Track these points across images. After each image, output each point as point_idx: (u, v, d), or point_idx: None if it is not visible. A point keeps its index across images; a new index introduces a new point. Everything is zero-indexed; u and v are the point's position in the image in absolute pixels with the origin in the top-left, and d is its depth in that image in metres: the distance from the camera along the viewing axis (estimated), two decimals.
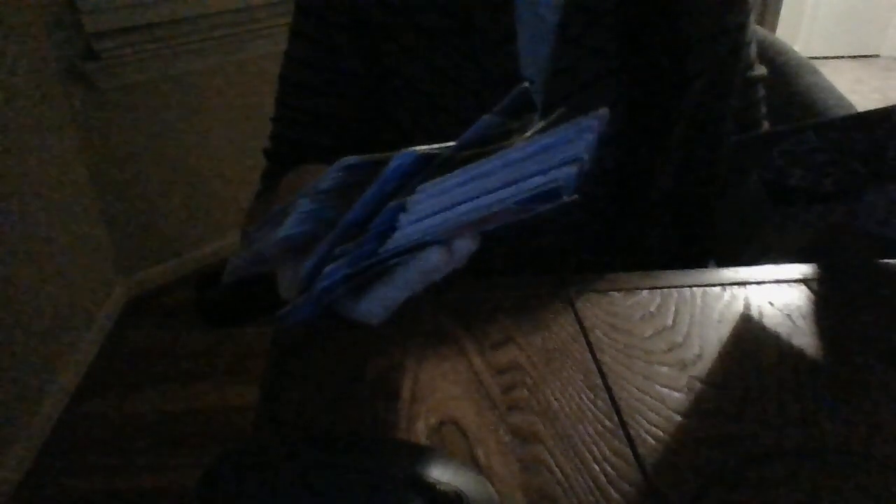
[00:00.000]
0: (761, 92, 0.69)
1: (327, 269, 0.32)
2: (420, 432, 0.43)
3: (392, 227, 0.31)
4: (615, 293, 0.56)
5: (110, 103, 1.84)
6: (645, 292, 0.56)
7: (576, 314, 0.54)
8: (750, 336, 0.51)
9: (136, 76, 1.85)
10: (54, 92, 1.72)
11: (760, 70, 0.68)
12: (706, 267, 0.75)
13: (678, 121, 0.62)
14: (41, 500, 1.42)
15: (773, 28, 2.74)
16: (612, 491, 0.39)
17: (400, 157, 0.31)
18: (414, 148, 0.31)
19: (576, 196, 0.32)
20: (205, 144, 2.06)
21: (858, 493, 0.38)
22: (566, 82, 0.61)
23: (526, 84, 0.34)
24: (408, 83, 0.62)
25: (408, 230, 0.32)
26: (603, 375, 0.48)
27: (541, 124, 0.34)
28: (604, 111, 0.31)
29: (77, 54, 1.74)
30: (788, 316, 0.53)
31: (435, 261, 0.34)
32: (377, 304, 0.35)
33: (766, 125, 0.69)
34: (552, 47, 0.60)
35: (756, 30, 0.90)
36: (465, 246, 0.35)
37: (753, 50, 0.67)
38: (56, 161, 1.72)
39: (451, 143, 0.32)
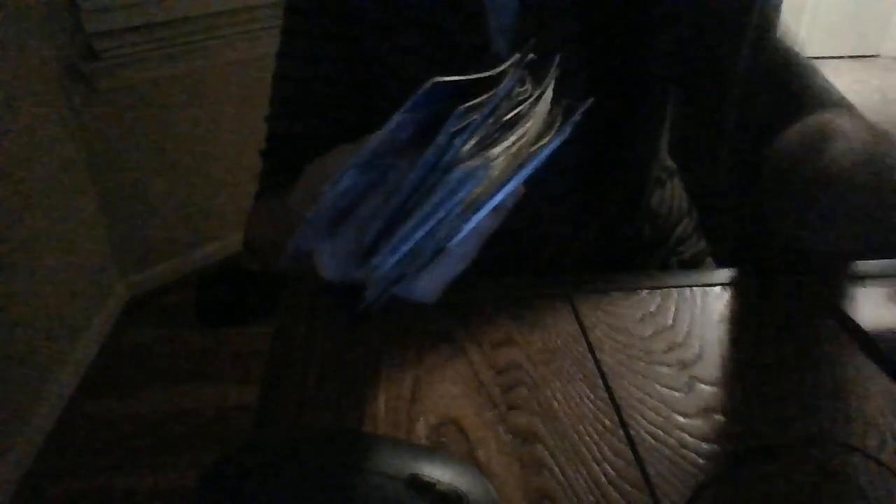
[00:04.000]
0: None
1: (388, 248, 0.32)
2: (420, 432, 0.43)
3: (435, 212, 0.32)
4: (615, 293, 0.56)
5: (110, 103, 1.84)
6: (645, 292, 0.56)
7: (576, 314, 0.54)
8: (750, 336, 0.51)
9: (136, 76, 1.85)
10: (54, 92, 1.72)
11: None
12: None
13: (645, 88, 0.63)
14: (41, 500, 1.42)
15: None
16: (612, 491, 0.39)
17: (453, 120, 0.31)
18: (461, 108, 0.31)
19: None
20: (205, 144, 2.06)
21: (858, 494, 0.38)
22: (532, 51, 0.61)
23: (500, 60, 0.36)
24: (384, 65, 0.63)
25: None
26: (603, 375, 0.48)
27: (544, 83, 0.37)
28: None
29: (77, 54, 1.74)
30: (788, 316, 0.53)
31: (487, 226, 0.34)
32: (434, 282, 0.34)
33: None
34: (516, 18, 0.61)
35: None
36: (509, 201, 0.35)
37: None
38: (56, 161, 1.72)
39: (487, 97, 0.33)
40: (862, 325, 0.51)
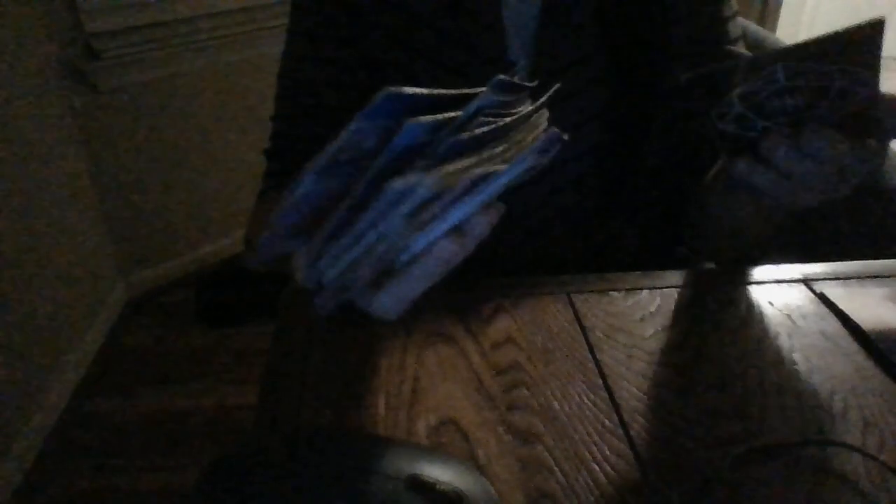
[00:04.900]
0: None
1: (328, 257, 0.32)
2: (420, 432, 0.43)
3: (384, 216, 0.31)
4: (615, 293, 0.56)
5: (110, 103, 1.84)
6: (645, 292, 0.56)
7: (576, 314, 0.54)
8: (750, 336, 0.51)
9: (136, 76, 1.85)
10: (54, 92, 1.72)
11: (741, 49, 0.67)
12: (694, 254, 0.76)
13: (662, 99, 0.63)
14: (41, 500, 1.42)
15: (773, 28, 2.74)
16: (612, 491, 0.39)
17: (406, 133, 0.30)
18: (419, 119, 0.31)
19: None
20: (205, 144, 2.06)
21: (858, 494, 0.38)
22: (551, 62, 0.61)
23: (514, 68, 0.35)
24: (399, 70, 0.63)
25: (418, 240, 0.32)
26: (603, 375, 0.48)
27: (531, 106, 0.35)
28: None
29: (77, 54, 1.74)
30: (788, 316, 0.53)
31: (449, 250, 0.33)
32: (394, 299, 0.34)
33: None
34: (536, 28, 0.61)
35: (757, 29, 0.90)
36: (479, 228, 0.34)
37: (735, 28, 0.66)
38: (56, 161, 1.72)
39: (454, 115, 0.33)
40: (862, 325, 0.51)
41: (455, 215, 0.32)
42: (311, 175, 0.32)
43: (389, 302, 0.34)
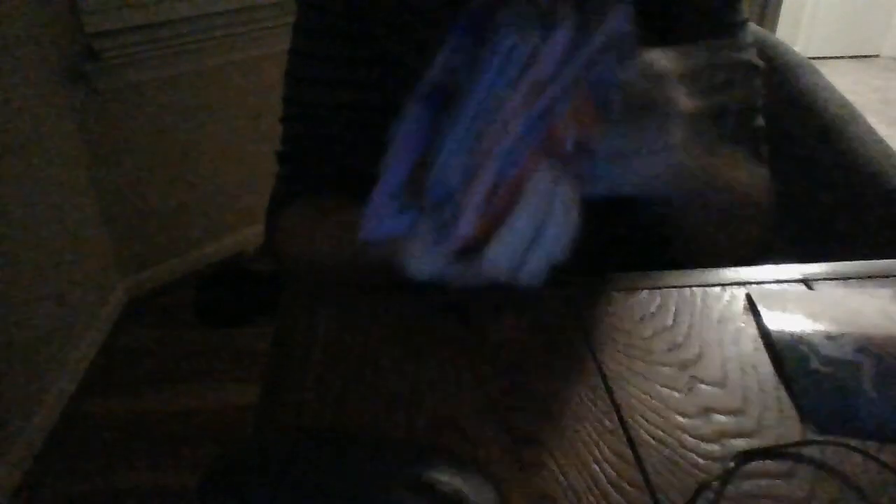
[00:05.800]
0: (757, 80, 0.68)
1: (435, 168, 0.33)
2: (420, 432, 0.43)
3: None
4: (615, 293, 0.56)
5: (110, 103, 1.84)
6: (645, 292, 0.56)
7: (576, 314, 0.54)
8: (750, 336, 0.51)
9: (136, 76, 1.85)
10: (54, 92, 1.72)
11: (752, 56, 0.67)
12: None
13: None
14: (41, 500, 1.42)
15: (773, 28, 2.74)
16: (612, 491, 0.39)
17: (503, 39, 0.32)
18: (515, 24, 0.33)
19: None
20: (205, 144, 2.06)
21: (858, 494, 0.38)
22: None
23: None
24: (404, 66, 0.63)
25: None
26: (603, 375, 0.48)
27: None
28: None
29: (77, 54, 1.74)
30: (789, 316, 0.53)
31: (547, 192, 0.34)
32: (539, 262, 0.35)
33: (760, 118, 0.68)
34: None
35: (757, 29, 0.90)
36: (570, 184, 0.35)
37: (746, 35, 0.66)
38: (56, 161, 1.72)
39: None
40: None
41: (551, 92, 0.33)
42: (414, 104, 0.33)
43: (533, 267, 0.35)
